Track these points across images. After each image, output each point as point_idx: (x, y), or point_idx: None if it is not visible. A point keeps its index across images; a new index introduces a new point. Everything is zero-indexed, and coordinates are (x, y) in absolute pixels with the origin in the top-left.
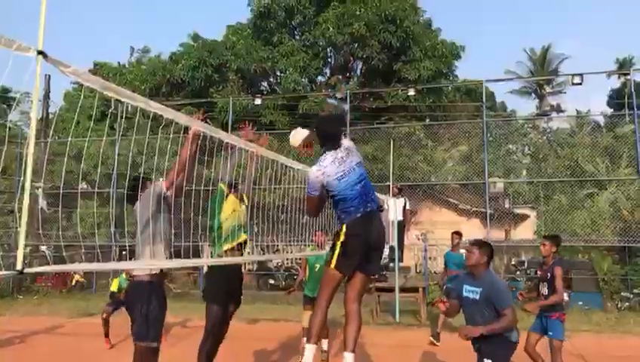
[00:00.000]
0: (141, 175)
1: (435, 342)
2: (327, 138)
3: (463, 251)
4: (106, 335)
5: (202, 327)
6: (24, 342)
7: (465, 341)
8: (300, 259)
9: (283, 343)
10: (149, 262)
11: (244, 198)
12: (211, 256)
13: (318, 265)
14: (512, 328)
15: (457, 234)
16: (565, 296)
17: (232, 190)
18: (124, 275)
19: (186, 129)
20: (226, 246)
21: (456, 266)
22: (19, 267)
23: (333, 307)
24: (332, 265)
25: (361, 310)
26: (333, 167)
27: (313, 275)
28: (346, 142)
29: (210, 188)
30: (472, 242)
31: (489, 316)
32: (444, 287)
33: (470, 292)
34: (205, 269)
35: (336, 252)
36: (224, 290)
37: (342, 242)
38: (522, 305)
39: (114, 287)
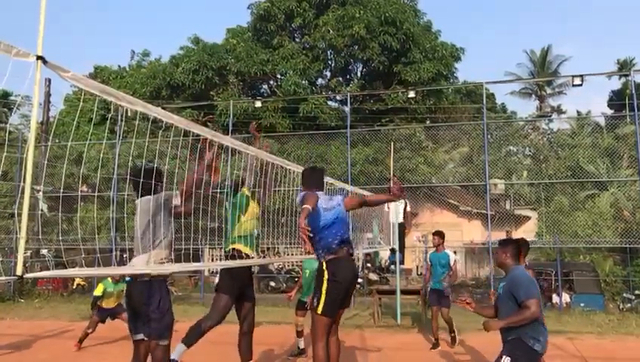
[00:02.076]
0: (155, 169)
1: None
2: (312, 184)
3: (448, 251)
4: (81, 341)
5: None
6: (25, 346)
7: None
8: (300, 262)
9: (284, 346)
10: (148, 267)
11: (258, 204)
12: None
13: (308, 271)
14: (535, 320)
15: (437, 234)
16: (567, 298)
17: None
18: (109, 279)
19: (186, 132)
20: (237, 245)
21: (442, 266)
22: (19, 272)
23: None
24: (319, 311)
25: (363, 313)
26: (323, 200)
27: (305, 280)
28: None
29: (210, 191)
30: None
31: (509, 310)
32: (428, 290)
33: (501, 288)
34: (207, 272)
35: (322, 298)
36: (238, 285)
37: (326, 289)
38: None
39: (98, 291)
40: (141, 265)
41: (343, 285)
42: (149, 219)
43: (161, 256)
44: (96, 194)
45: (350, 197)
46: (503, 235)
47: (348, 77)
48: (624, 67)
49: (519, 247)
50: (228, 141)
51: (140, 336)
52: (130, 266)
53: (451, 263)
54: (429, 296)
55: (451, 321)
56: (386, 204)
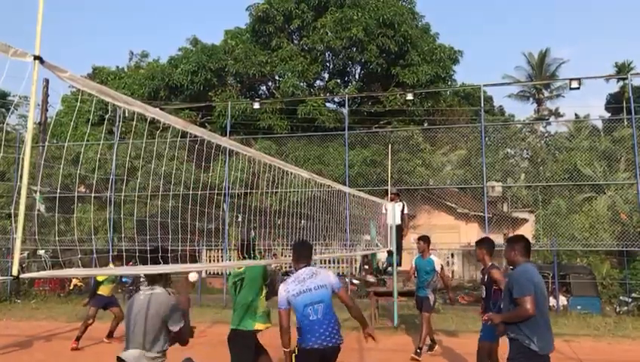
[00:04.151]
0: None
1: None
2: (297, 258)
3: (433, 257)
4: (78, 338)
5: (198, 330)
6: (21, 346)
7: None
8: None
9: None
10: (148, 267)
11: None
12: (243, 325)
13: None
14: (528, 317)
15: (422, 239)
16: (564, 300)
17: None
18: (111, 265)
19: (184, 134)
20: (259, 325)
21: (426, 273)
22: (14, 272)
23: None
24: None
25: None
26: (293, 285)
27: None
28: (316, 268)
29: (208, 193)
30: (475, 243)
31: (508, 305)
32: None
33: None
34: (204, 274)
35: None
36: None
37: None
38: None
39: (102, 276)
40: (140, 268)
41: None
42: (144, 320)
43: (155, 355)
44: (93, 194)
45: (346, 292)
46: (500, 238)
47: (346, 79)
48: (622, 70)
49: (528, 244)
50: (225, 142)
51: None
52: (128, 267)
53: (437, 269)
54: (415, 301)
55: (427, 330)
56: (384, 206)
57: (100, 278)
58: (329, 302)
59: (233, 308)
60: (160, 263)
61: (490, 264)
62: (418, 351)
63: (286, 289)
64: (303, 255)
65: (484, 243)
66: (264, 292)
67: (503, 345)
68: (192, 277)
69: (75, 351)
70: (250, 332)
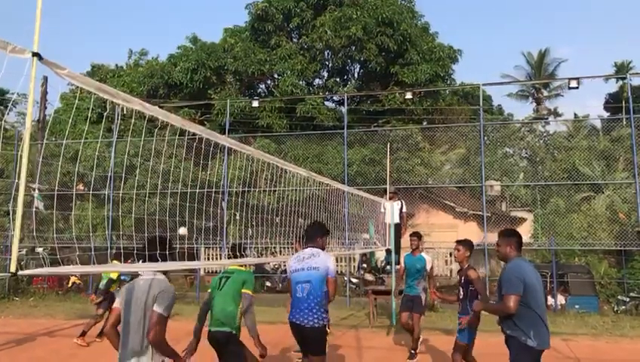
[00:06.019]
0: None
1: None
2: (306, 237)
3: (424, 254)
4: (84, 333)
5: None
6: (20, 343)
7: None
8: None
9: (279, 345)
10: (148, 265)
11: None
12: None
13: None
14: (508, 315)
15: (416, 235)
16: (562, 299)
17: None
18: (116, 262)
19: (182, 132)
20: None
21: (417, 271)
22: (12, 269)
23: None
24: None
25: (358, 313)
26: (292, 261)
27: None
28: (318, 251)
29: (205, 191)
30: (456, 241)
31: (498, 298)
32: (402, 296)
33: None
34: (203, 272)
35: None
36: None
37: None
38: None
39: (115, 273)
40: (140, 265)
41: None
42: (144, 304)
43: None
44: (91, 192)
45: (334, 283)
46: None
47: (345, 77)
48: (621, 70)
49: (521, 238)
50: (224, 140)
51: None
52: (130, 265)
53: (427, 267)
54: (401, 301)
55: (419, 333)
56: (382, 205)
57: (113, 276)
58: (318, 284)
59: (212, 305)
60: (159, 260)
61: (467, 265)
62: (412, 352)
63: (288, 265)
64: (308, 237)
65: (467, 243)
66: (240, 305)
67: (483, 345)
68: (182, 231)
69: (82, 347)
70: (235, 334)
